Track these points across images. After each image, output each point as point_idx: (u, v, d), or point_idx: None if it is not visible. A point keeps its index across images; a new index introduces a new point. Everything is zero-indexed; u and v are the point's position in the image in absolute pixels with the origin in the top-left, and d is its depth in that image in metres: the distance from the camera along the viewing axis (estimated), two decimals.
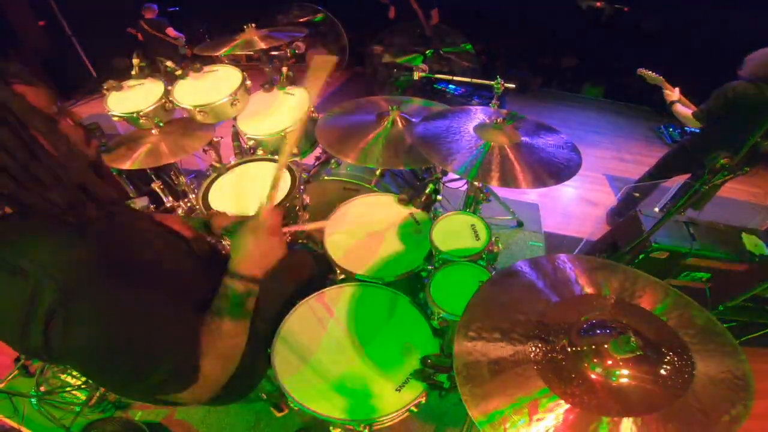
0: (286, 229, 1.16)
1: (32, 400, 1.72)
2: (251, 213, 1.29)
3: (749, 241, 1.81)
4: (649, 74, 2.53)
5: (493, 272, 1.35)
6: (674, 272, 1.87)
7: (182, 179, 2.16)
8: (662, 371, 0.70)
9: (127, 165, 1.74)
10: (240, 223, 0.93)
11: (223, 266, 0.85)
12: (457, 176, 1.84)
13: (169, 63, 1.87)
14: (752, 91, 2.13)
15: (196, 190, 2.15)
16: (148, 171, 1.99)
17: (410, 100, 1.92)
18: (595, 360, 0.71)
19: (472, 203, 1.93)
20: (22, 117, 0.62)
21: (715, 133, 2.33)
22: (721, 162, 1.47)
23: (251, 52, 2.03)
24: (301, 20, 6.00)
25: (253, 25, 2.07)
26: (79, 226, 0.69)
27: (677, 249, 1.77)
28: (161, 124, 1.83)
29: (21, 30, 4.94)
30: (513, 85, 2.00)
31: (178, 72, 1.88)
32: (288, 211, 1.60)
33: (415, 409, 1.08)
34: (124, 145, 1.81)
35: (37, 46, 5.13)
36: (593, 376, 0.70)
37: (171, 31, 4.63)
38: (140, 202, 2.02)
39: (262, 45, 2.00)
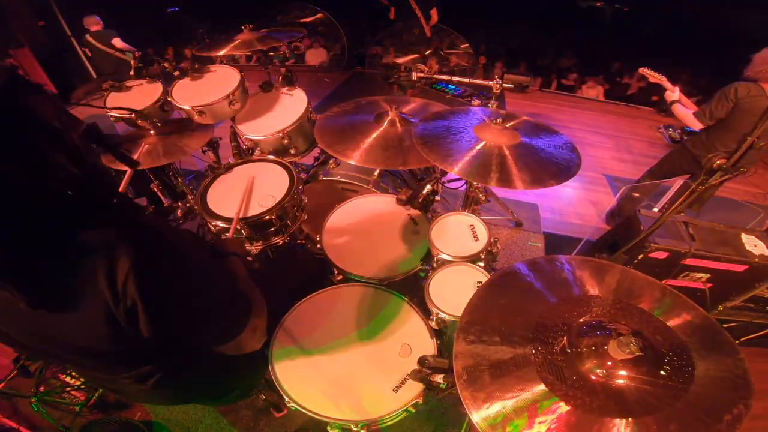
0: None
1: (32, 400, 1.72)
2: (250, 213, 1.50)
3: (749, 241, 1.80)
4: (652, 73, 2.51)
5: (492, 273, 1.35)
6: (674, 272, 1.87)
7: (181, 180, 2.16)
8: (662, 372, 0.70)
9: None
10: None
11: None
12: (457, 176, 1.83)
13: (166, 64, 1.87)
14: (756, 91, 2.08)
15: (194, 191, 2.15)
16: (147, 172, 1.98)
17: (410, 101, 1.92)
18: (594, 361, 0.71)
19: (471, 203, 1.92)
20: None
21: (716, 133, 2.30)
22: (718, 162, 1.47)
23: (250, 53, 2.02)
24: (301, 21, 6.00)
25: (252, 25, 2.07)
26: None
27: (676, 249, 1.77)
28: (159, 125, 1.83)
29: (21, 30, 4.94)
30: (511, 86, 2.00)
31: (177, 72, 1.88)
32: (286, 211, 1.60)
33: (413, 410, 1.08)
34: (121, 145, 1.80)
35: (37, 46, 5.13)
36: (593, 378, 0.70)
37: (118, 42, 4.10)
38: (139, 203, 2.01)
39: (261, 46, 2.00)
